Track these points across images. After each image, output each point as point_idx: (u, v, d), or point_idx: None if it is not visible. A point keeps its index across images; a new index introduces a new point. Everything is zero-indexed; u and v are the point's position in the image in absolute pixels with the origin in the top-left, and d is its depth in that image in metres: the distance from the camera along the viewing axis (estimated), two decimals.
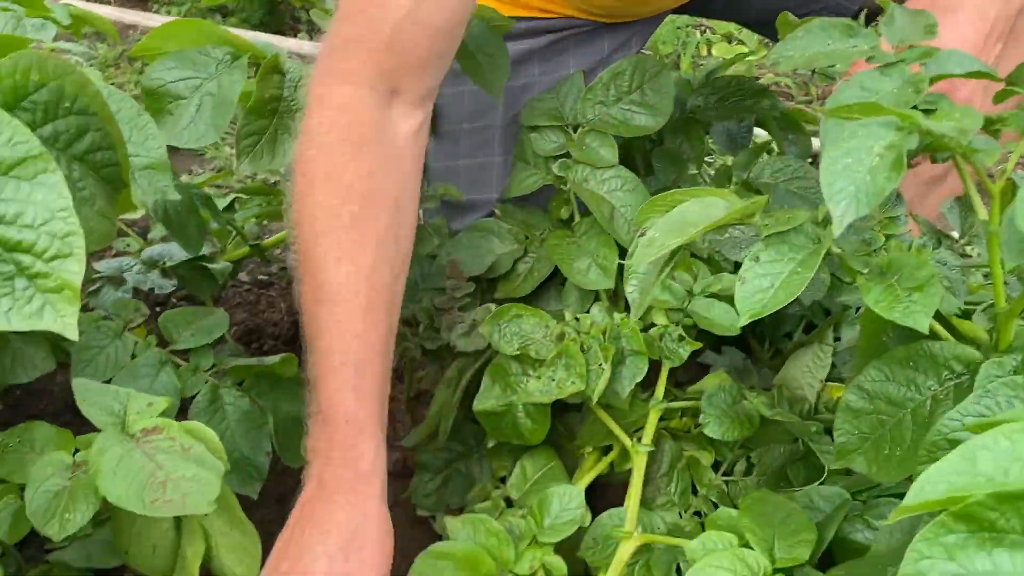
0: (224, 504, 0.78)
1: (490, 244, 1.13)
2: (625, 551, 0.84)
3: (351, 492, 0.80)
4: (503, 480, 1.03)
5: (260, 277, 1.54)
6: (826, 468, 0.92)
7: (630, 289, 0.73)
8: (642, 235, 0.69)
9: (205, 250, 1.17)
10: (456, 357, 1.08)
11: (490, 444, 0.97)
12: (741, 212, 0.66)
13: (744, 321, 0.63)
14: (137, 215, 1.43)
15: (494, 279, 1.11)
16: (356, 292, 0.81)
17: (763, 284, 0.64)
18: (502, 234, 1.13)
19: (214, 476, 0.70)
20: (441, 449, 1.11)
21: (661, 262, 0.71)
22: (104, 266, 1.19)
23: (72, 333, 0.48)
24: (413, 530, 1.14)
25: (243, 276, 1.52)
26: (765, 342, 1.30)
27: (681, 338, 0.91)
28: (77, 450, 0.72)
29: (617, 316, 0.92)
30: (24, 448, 0.73)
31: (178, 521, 0.83)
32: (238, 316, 1.44)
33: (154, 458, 0.69)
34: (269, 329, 1.45)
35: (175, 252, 1.17)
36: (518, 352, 0.90)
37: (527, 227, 1.14)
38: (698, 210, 0.68)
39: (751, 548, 0.77)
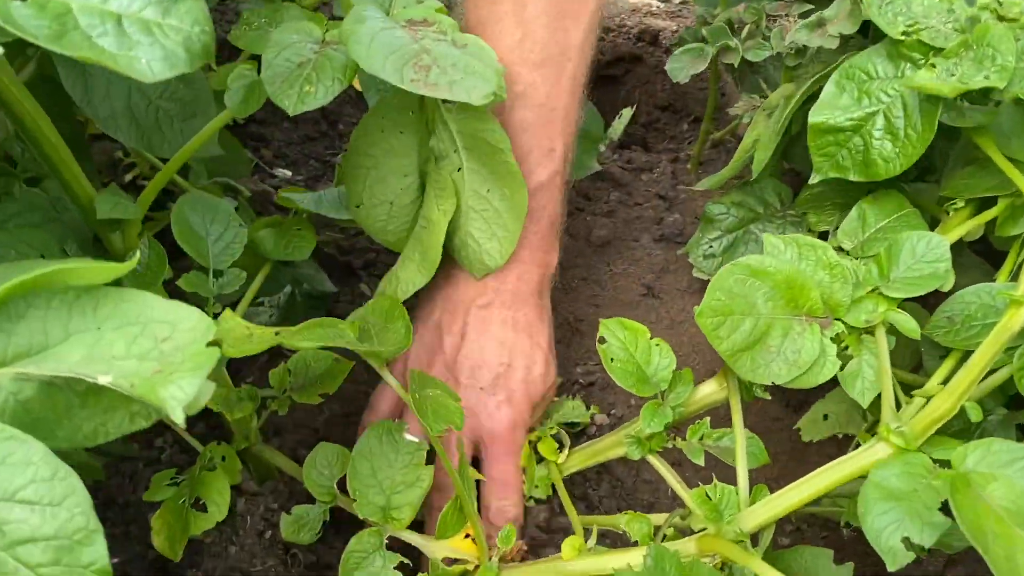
0: (487, 148, 0.61)
1: None
2: (1014, 321, 0.60)
3: (542, 293, 0.77)
4: (822, 237, 0.80)
5: None
6: None
7: None
8: None
9: None
10: (778, 85, 0.85)
11: (814, 179, 0.73)
12: None
13: None
14: None
15: None
16: (568, 59, 0.72)
17: None
18: None
19: (492, 72, 0.52)
20: (737, 204, 0.89)
21: None
22: None
23: None
24: (683, 299, 0.95)
25: None
26: None
27: None
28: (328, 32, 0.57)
29: None
30: (270, 26, 0.59)
31: (422, 181, 0.68)
32: None
33: (420, 42, 0.53)
34: None
35: None
36: (902, 35, 0.64)
37: None
38: None
39: None
